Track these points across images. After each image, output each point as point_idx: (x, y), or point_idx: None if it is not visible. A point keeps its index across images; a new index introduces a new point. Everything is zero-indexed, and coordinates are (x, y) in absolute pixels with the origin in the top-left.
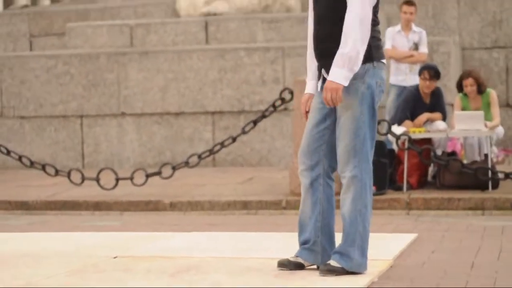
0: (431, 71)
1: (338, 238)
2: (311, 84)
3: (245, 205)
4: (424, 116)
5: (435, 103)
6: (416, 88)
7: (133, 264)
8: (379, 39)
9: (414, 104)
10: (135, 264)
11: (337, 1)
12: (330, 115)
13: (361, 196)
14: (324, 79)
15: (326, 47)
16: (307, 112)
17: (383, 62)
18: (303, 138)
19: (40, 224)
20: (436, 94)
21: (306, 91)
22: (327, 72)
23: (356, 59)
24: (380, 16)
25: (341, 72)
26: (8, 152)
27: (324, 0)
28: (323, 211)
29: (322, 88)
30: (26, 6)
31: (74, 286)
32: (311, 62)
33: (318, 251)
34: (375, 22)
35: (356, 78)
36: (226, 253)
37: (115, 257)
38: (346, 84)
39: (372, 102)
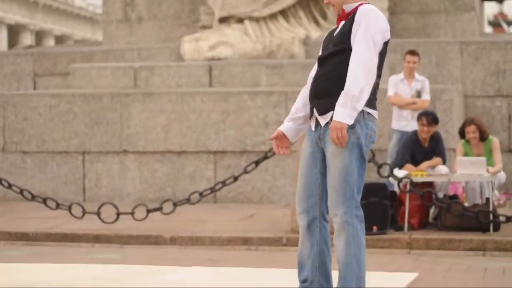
0: (428, 117)
1: (335, 276)
2: (286, 124)
3: (246, 241)
4: (424, 165)
5: (435, 148)
6: (415, 132)
7: None
8: (375, 92)
9: (413, 149)
10: None
11: (342, 63)
12: (321, 160)
13: (354, 240)
14: (316, 119)
15: (322, 87)
16: (275, 139)
17: (374, 114)
18: (298, 182)
19: (40, 255)
20: (435, 139)
21: (279, 128)
22: (319, 113)
23: (359, 97)
24: (384, 64)
25: (344, 111)
26: (10, 186)
27: (329, 63)
28: (320, 252)
29: (315, 128)
30: (30, 46)
31: None
32: (301, 99)
33: None
34: (378, 72)
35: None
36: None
37: None
38: (350, 122)
39: (361, 152)
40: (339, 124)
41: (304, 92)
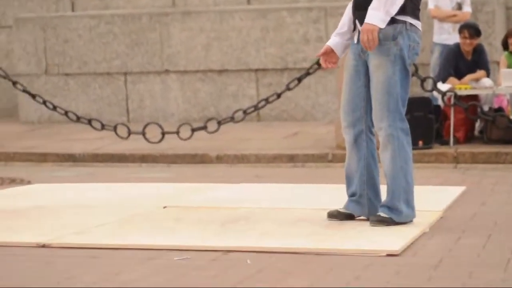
0: (470, 30)
1: (383, 190)
2: (333, 39)
3: (292, 158)
4: (467, 78)
5: (478, 60)
6: (457, 45)
7: (182, 214)
8: (418, 1)
9: (456, 62)
10: (185, 214)
11: None
12: (364, 73)
13: (399, 153)
14: (359, 31)
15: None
16: (323, 55)
17: (417, 25)
18: (342, 96)
19: (87, 176)
20: (478, 51)
21: (327, 43)
22: (361, 24)
23: (393, 2)
24: None
25: (377, 14)
26: (55, 108)
27: None
28: (367, 165)
29: (358, 40)
30: None
31: (125, 234)
32: (347, 13)
33: (365, 204)
34: None
35: (388, 39)
36: (275, 204)
37: (164, 207)
38: (382, 26)
39: (404, 64)
40: (370, 27)
41: (350, 6)
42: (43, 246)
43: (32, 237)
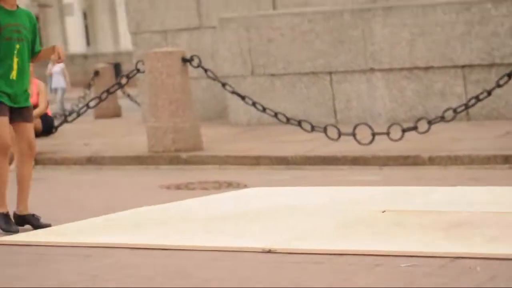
0: None
1: None
2: None
3: (507, 160)
4: None
5: None
6: None
7: (403, 218)
8: None
9: None
10: (405, 218)
11: None
12: None
13: None
14: None
15: None
16: None
17: None
18: None
19: (301, 179)
20: None
21: None
22: None
23: None
24: None
25: None
26: (264, 109)
27: None
28: None
29: None
30: None
31: (348, 239)
32: None
33: None
34: None
35: None
36: (496, 207)
37: (383, 211)
38: None
39: None
40: None
41: None
42: (269, 251)
43: (257, 242)
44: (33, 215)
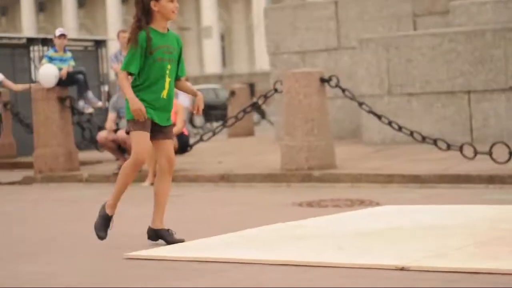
0: None
1: None
2: None
3: None
4: None
5: None
6: None
7: None
8: None
9: None
10: None
11: None
12: None
13: None
14: None
15: None
16: None
17: None
18: None
19: (435, 197)
20: None
21: None
22: None
23: None
24: None
25: None
26: (400, 128)
27: None
28: None
29: None
30: None
31: (486, 258)
32: None
33: None
34: None
35: None
36: None
37: None
38: None
39: None
40: None
41: None
42: (402, 269)
43: (391, 260)
44: (168, 230)
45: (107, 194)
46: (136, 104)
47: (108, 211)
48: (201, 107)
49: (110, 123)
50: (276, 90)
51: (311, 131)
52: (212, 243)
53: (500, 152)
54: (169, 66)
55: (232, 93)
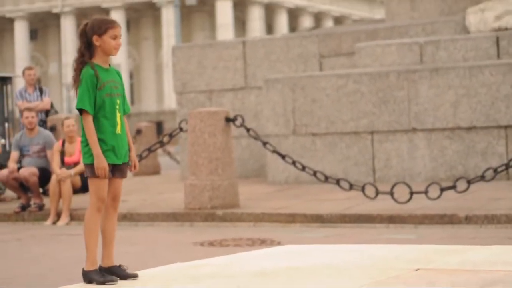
0: None
1: None
2: None
3: None
4: None
5: None
6: None
7: (436, 277)
8: None
9: None
10: (438, 277)
11: None
12: None
13: None
14: None
15: None
16: None
17: None
18: None
19: (336, 236)
20: None
21: None
22: None
23: None
24: None
25: None
26: (303, 168)
27: None
28: None
29: None
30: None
31: None
32: None
33: None
34: None
35: None
36: None
37: (417, 270)
38: None
39: None
40: None
41: None
42: None
43: None
44: (120, 266)
45: (6, 234)
46: (102, 163)
47: (91, 267)
48: (137, 167)
49: (12, 162)
50: (181, 129)
51: (215, 170)
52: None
53: (401, 192)
54: (118, 101)
55: (138, 132)
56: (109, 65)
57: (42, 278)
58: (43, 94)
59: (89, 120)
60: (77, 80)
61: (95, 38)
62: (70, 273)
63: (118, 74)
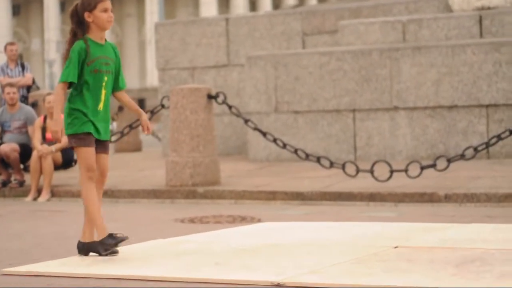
0: None
1: None
2: None
3: None
4: None
5: None
6: None
7: (415, 255)
8: None
9: None
10: (417, 254)
11: None
12: None
13: None
14: None
15: None
16: None
17: None
18: None
19: (316, 214)
20: None
21: None
22: None
23: None
24: None
25: None
26: (284, 145)
27: None
28: None
29: None
30: (296, 6)
31: (359, 274)
32: None
33: None
34: None
35: None
36: (511, 245)
37: (395, 247)
38: None
39: None
40: None
41: None
42: (278, 285)
43: (267, 276)
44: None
45: None
46: (59, 125)
47: (102, 235)
48: (150, 129)
49: None
50: (163, 106)
51: (196, 147)
52: (92, 259)
53: (382, 170)
54: (105, 78)
55: (120, 109)
56: (105, 40)
57: (25, 254)
58: (25, 70)
59: (63, 87)
60: (67, 56)
61: (86, 14)
62: (53, 248)
63: (114, 50)
